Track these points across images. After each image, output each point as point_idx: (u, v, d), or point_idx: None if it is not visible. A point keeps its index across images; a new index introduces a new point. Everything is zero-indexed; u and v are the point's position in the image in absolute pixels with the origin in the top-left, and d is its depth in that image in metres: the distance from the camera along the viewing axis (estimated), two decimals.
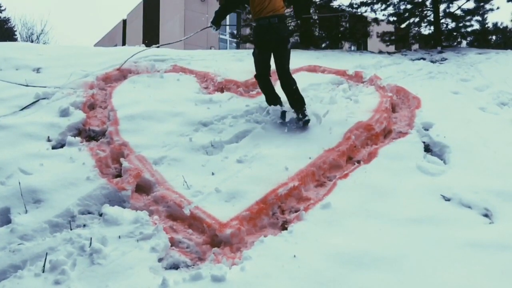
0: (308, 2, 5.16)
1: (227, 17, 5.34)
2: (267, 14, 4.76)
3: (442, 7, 11.94)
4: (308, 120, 4.75)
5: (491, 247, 2.99)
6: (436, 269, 2.77)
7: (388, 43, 12.83)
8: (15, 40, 22.22)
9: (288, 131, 4.72)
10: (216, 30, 5.43)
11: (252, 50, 5.31)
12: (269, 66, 5.04)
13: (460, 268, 2.79)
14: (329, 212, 3.44)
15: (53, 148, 4.33)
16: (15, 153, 4.05)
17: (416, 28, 12.63)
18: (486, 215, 3.48)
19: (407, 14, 12.16)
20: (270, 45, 4.87)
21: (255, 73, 5.15)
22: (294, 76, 6.88)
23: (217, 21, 5.29)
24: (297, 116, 4.79)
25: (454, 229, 3.23)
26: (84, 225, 3.34)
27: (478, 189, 3.76)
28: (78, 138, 4.50)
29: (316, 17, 10.61)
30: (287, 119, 4.81)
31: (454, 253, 2.94)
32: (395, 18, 12.39)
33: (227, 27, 19.18)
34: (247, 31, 13.32)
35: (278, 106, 4.94)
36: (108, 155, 4.20)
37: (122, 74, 6.17)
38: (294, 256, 2.89)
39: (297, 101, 4.83)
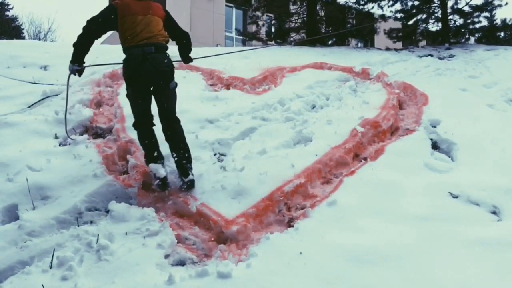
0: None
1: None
2: (140, 42, 3.63)
3: (450, 3, 11.87)
4: (193, 181, 3.73)
5: (499, 245, 2.97)
6: (443, 266, 2.76)
7: (395, 40, 12.78)
8: (23, 38, 22.35)
9: None
10: (81, 74, 3.91)
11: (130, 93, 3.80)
12: (150, 111, 3.83)
13: (468, 265, 2.77)
14: (335, 209, 3.43)
15: (60, 145, 4.36)
16: (23, 150, 4.09)
17: (424, 25, 12.55)
18: (494, 212, 3.46)
19: (414, 10, 12.10)
20: (146, 82, 3.68)
21: (133, 120, 3.85)
22: (300, 73, 6.93)
23: (80, 59, 3.80)
24: (180, 177, 3.75)
25: (462, 227, 3.21)
26: (91, 222, 3.36)
27: (486, 186, 3.73)
28: (85, 136, 4.52)
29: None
30: (167, 187, 3.74)
31: (462, 250, 2.92)
32: (402, 15, 12.33)
33: (233, 25, 19.17)
34: (254, 28, 13.29)
35: (160, 166, 3.75)
36: (115, 152, 4.22)
37: None
38: (300, 253, 2.88)
39: (185, 156, 3.75)
